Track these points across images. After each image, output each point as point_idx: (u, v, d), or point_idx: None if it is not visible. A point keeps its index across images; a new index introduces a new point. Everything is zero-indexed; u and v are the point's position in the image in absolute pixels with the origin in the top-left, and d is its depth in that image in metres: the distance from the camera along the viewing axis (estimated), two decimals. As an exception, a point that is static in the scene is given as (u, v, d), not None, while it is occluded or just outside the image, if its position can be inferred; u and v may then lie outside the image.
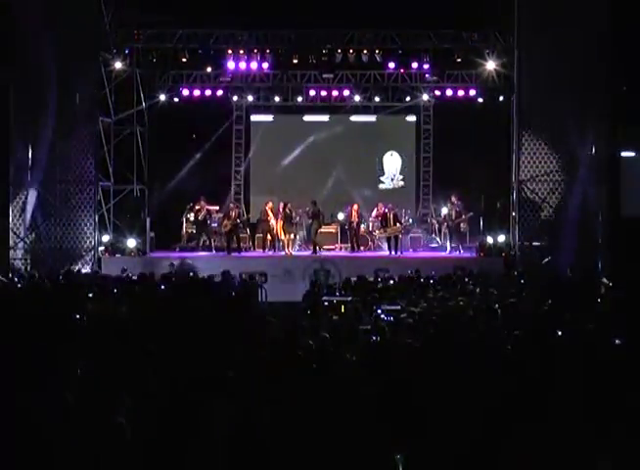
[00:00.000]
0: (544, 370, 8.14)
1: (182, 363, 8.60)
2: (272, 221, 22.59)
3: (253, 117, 27.05)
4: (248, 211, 25.77)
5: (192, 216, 23.27)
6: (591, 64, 20.21)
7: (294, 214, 22.63)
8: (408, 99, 25.68)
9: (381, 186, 26.60)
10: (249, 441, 6.37)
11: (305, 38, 22.19)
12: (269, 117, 26.98)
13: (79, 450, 6.14)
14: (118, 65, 22.41)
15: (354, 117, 26.75)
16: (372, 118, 26.70)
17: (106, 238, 21.58)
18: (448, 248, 22.63)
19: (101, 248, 21.24)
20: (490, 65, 22.73)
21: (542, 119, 20.53)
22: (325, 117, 26.66)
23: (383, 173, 26.75)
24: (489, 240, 21.57)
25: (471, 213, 22.82)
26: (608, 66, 20.13)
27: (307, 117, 26.73)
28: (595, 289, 14.81)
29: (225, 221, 22.63)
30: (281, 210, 22.52)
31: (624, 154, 21.13)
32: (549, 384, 7.65)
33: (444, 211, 23.85)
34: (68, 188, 21.00)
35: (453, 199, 23.35)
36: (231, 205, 23.21)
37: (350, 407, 6.92)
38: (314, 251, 22.26)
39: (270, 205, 22.95)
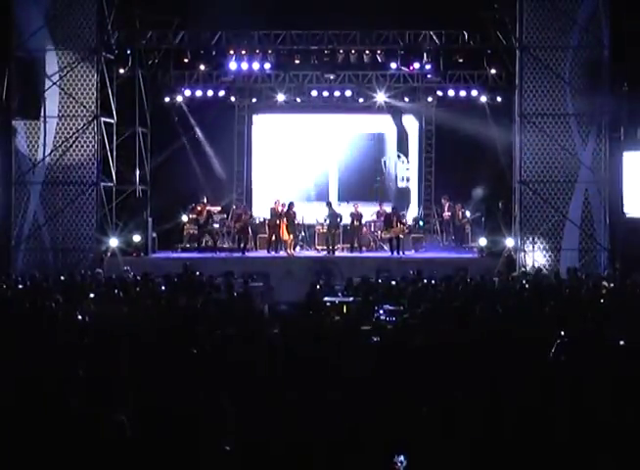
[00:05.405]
0: (546, 371, 8.14)
1: (182, 363, 8.59)
2: (278, 221, 22.60)
3: (256, 118, 27.04)
4: (250, 212, 25.73)
5: (193, 218, 23.28)
6: (592, 63, 20.23)
7: (297, 215, 22.61)
8: (408, 100, 25.64)
9: (383, 186, 26.56)
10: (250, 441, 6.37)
11: (307, 39, 22.16)
12: (271, 118, 26.97)
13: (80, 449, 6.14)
14: (120, 65, 22.40)
15: (356, 118, 26.74)
16: (374, 119, 26.68)
17: (107, 239, 21.54)
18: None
19: (103, 248, 21.21)
20: (492, 65, 22.74)
21: (544, 120, 20.53)
22: (327, 118, 26.64)
23: (385, 174, 26.72)
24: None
25: (478, 213, 22.89)
26: (609, 65, 20.13)
27: (309, 118, 26.71)
28: (597, 289, 14.80)
29: (236, 223, 22.81)
30: (285, 210, 22.51)
31: (626, 154, 21.08)
32: (550, 385, 7.65)
33: (446, 214, 23.93)
34: (70, 189, 21.02)
35: (443, 201, 23.57)
36: (241, 207, 23.26)
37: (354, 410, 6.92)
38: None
39: (276, 205, 22.95)
